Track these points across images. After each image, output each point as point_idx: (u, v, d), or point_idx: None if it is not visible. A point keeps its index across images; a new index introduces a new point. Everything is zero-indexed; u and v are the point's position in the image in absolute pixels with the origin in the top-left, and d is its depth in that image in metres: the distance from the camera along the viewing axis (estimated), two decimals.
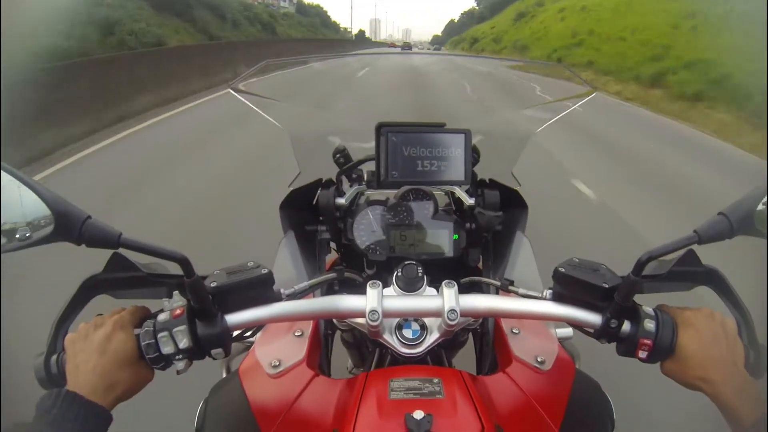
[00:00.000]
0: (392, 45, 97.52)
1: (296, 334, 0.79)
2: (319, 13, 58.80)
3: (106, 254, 0.62)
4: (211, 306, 0.61)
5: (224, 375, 0.93)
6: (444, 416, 0.55)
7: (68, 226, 0.54)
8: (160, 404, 1.21)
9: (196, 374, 0.66)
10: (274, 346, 0.76)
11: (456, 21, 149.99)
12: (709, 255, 0.66)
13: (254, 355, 0.75)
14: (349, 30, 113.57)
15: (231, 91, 0.98)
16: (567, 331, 0.85)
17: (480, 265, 1.01)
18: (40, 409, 0.53)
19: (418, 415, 0.53)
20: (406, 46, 67.50)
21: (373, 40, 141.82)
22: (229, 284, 0.62)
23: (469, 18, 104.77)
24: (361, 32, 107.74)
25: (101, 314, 0.65)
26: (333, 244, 1.04)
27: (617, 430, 0.70)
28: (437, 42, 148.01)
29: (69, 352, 0.60)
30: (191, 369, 0.62)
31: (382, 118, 0.95)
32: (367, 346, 0.96)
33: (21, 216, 0.56)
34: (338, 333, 1.03)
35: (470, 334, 0.96)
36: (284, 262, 0.91)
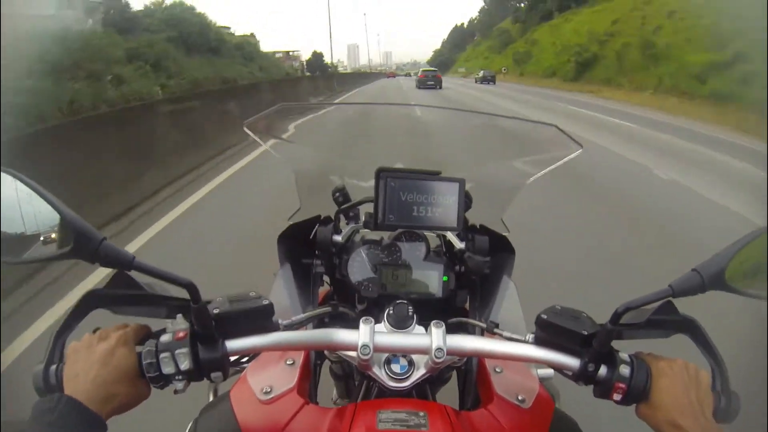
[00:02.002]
0: (390, 75, 66.22)
1: (288, 362, 0.81)
2: (183, 22, 25.08)
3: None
4: (213, 331, 0.64)
5: (211, 398, 0.94)
6: None
7: (86, 245, 0.58)
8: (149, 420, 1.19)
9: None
10: (266, 372, 0.79)
11: (468, 26, 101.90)
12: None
13: (246, 380, 0.77)
14: (294, 54, 63.76)
15: (245, 128, 1.03)
16: (548, 372, 0.88)
17: (467, 306, 1.05)
18: (37, 411, 0.55)
19: None
20: (429, 76, 32.67)
21: (344, 71, 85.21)
22: (231, 312, 0.66)
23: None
24: (317, 56, 61.00)
25: (99, 328, 0.67)
26: (327, 278, 1.07)
27: None
28: (437, 63, 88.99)
29: (70, 360, 0.62)
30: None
31: (381, 161, 0.99)
32: (353, 379, 0.98)
33: (40, 231, 0.60)
34: (326, 364, 1.05)
35: (454, 371, 0.99)
36: (280, 292, 0.94)
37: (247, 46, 28.86)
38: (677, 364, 0.66)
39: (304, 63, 58.25)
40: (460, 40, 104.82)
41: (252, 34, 44.60)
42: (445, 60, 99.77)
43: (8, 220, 0.59)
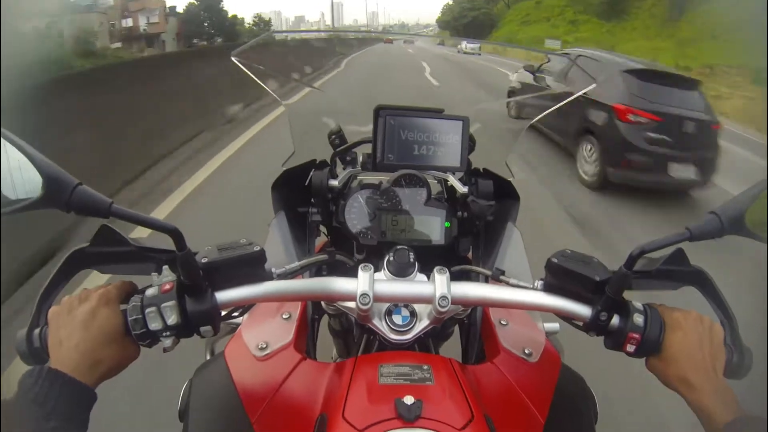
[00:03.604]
0: (388, 41, 27.82)
1: (284, 316, 0.78)
2: None
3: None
4: (201, 282, 0.60)
5: (208, 357, 0.92)
6: (434, 402, 0.55)
7: (58, 192, 0.52)
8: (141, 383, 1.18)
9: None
10: (261, 328, 0.75)
11: None
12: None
13: (241, 336, 0.74)
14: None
15: (233, 59, 0.95)
16: (553, 326, 0.86)
17: (470, 254, 1.01)
18: (22, 386, 0.51)
19: (409, 400, 0.53)
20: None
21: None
22: (220, 260, 0.61)
23: None
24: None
25: (87, 288, 0.63)
26: (323, 228, 1.03)
27: (600, 424, 0.71)
28: (463, 24, 51.49)
29: (52, 327, 0.58)
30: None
31: (380, 101, 0.94)
32: (353, 335, 0.96)
33: (10, 180, 0.54)
34: (324, 321, 1.03)
35: (457, 325, 0.97)
36: (274, 242, 0.89)
37: None
38: (691, 316, 0.63)
39: (167, 17, 27.30)
40: None
41: None
42: (480, 18, 52.49)
43: None
